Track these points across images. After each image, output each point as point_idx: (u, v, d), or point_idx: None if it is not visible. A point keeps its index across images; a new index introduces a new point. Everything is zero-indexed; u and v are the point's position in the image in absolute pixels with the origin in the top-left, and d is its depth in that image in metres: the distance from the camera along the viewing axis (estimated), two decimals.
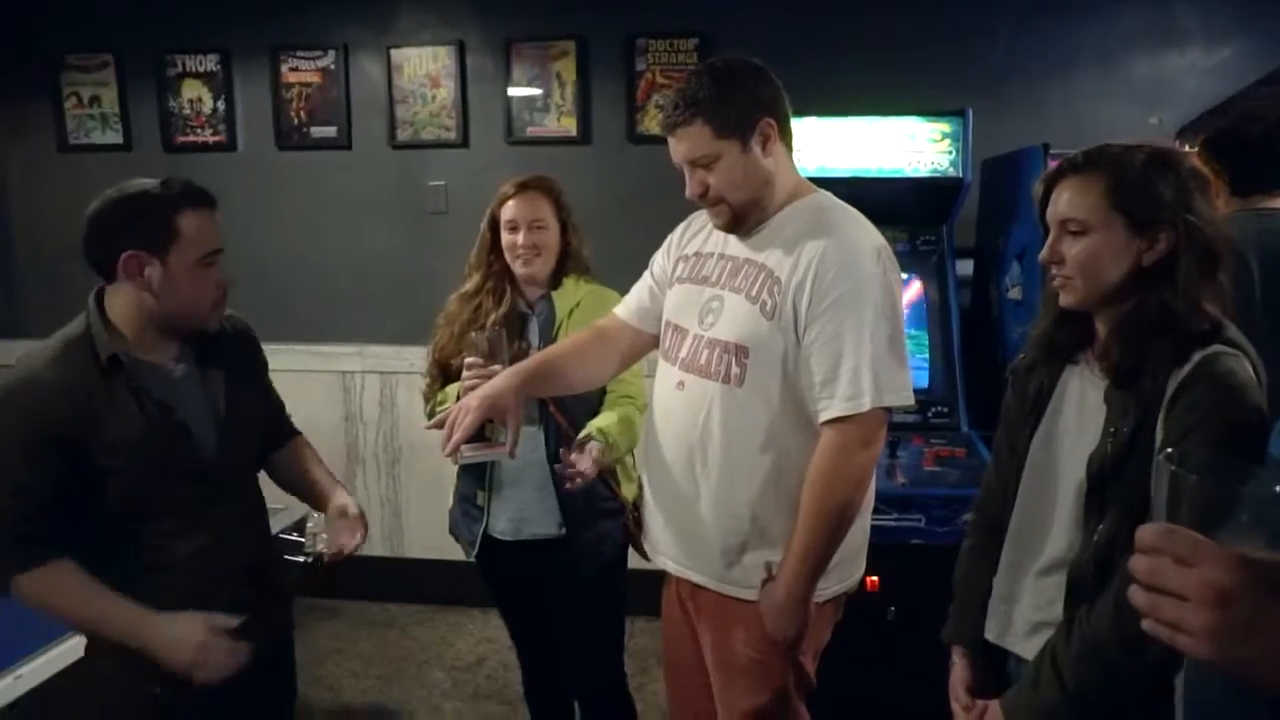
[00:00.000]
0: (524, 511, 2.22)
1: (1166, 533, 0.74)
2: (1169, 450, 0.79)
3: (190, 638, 1.53)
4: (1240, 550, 0.71)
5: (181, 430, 1.61)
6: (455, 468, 2.25)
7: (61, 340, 1.58)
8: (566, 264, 2.26)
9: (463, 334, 2.16)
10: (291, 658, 1.95)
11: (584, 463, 1.94)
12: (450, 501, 2.39)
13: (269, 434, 1.87)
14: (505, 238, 2.20)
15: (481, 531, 2.25)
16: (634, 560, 2.24)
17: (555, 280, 2.25)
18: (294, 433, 1.95)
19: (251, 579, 1.71)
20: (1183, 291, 1.33)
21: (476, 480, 2.25)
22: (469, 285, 2.26)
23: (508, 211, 2.20)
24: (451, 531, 2.39)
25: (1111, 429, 1.37)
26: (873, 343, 1.61)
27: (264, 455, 1.87)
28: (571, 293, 2.24)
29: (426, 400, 2.31)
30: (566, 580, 2.26)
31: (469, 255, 2.30)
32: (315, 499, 1.87)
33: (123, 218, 1.55)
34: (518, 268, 2.21)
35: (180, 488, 1.60)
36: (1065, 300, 1.43)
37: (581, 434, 2.03)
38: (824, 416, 1.65)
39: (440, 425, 1.76)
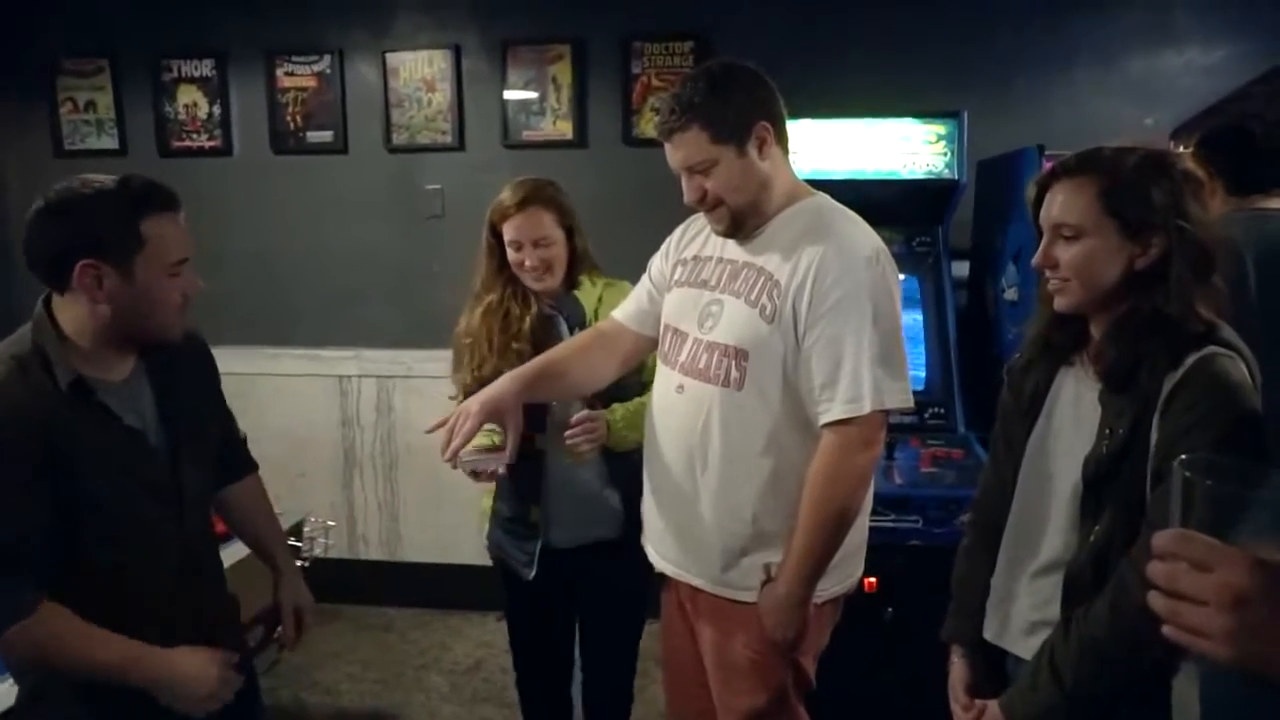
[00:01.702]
0: (587, 514, 2.17)
1: (1182, 538, 0.75)
2: (1182, 457, 0.80)
3: (206, 673, 1.46)
4: (1256, 552, 0.72)
5: (150, 453, 1.50)
6: (458, 474, 2.19)
7: (11, 359, 1.40)
8: (578, 267, 2.21)
9: (505, 348, 2.10)
10: (255, 684, 1.82)
11: (592, 431, 1.99)
12: (475, 519, 2.31)
13: (224, 461, 1.74)
14: (511, 254, 2.13)
15: (539, 547, 2.17)
16: None
17: (569, 282, 2.21)
18: (251, 466, 1.84)
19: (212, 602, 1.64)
20: (1175, 295, 1.33)
21: (528, 497, 2.16)
22: (490, 298, 2.17)
23: (510, 230, 2.12)
24: (497, 558, 2.27)
25: (1107, 430, 1.37)
26: (872, 346, 1.61)
27: (217, 485, 1.74)
28: (590, 291, 2.21)
29: None
30: (618, 578, 2.21)
31: (479, 268, 2.20)
32: (261, 553, 1.80)
33: (78, 221, 1.38)
34: (529, 282, 2.15)
35: (152, 509, 1.49)
36: (1059, 304, 1.43)
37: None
38: (824, 419, 1.65)
39: (440, 428, 1.76)
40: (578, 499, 2.17)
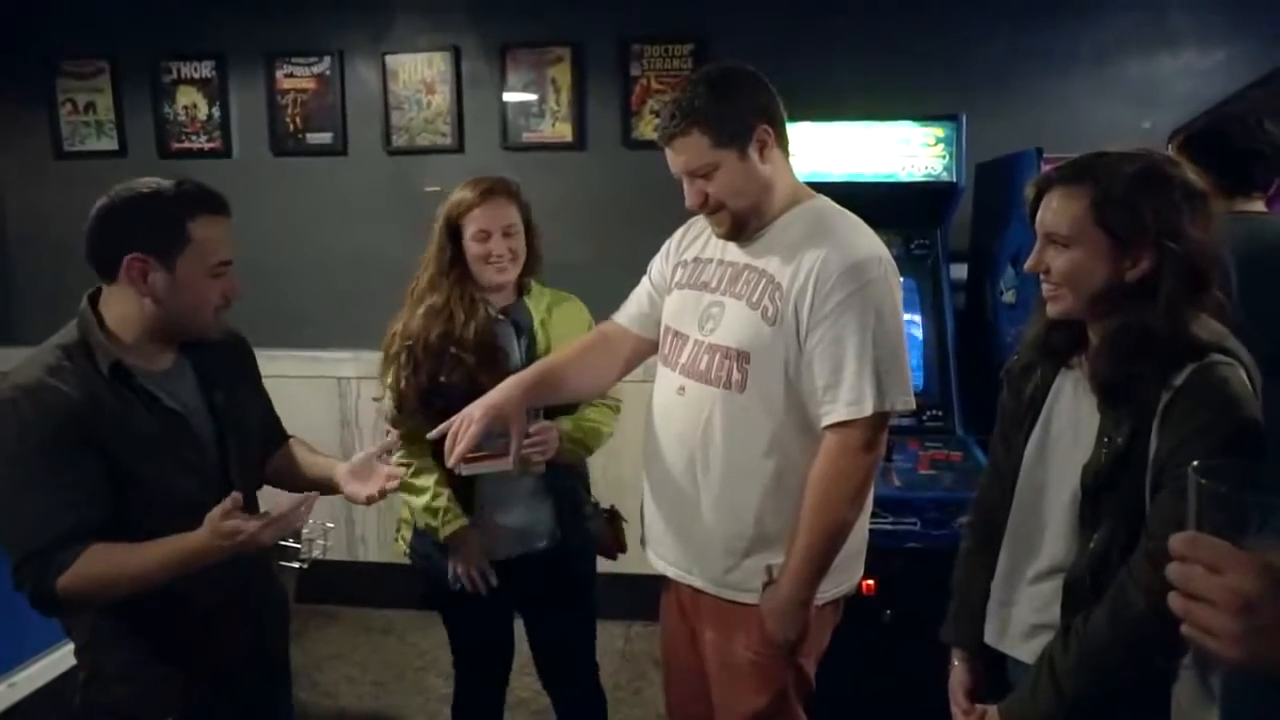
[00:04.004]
0: (522, 526, 2.16)
1: (1193, 541, 0.77)
2: (1195, 463, 0.81)
3: (216, 534, 1.42)
4: (1269, 556, 0.73)
5: (193, 437, 1.57)
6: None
7: (58, 348, 1.50)
8: (534, 266, 2.19)
9: (444, 353, 2.05)
10: (288, 675, 1.90)
11: (549, 437, 1.99)
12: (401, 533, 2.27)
13: (266, 439, 1.84)
14: (475, 248, 2.08)
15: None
16: (631, 564, 2.24)
17: (520, 284, 2.19)
18: (285, 436, 1.90)
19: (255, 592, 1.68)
20: (1164, 313, 1.31)
21: (463, 508, 2.11)
22: (435, 299, 2.10)
23: (476, 221, 2.08)
24: (423, 567, 2.22)
25: (1105, 439, 1.36)
26: (875, 347, 1.62)
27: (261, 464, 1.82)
28: (539, 298, 2.20)
29: (397, 426, 2.09)
30: (559, 589, 2.24)
31: (424, 270, 2.15)
32: (320, 479, 1.77)
33: (131, 218, 1.48)
34: (490, 276, 2.10)
35: (198, 493, 1.55)
36: (1052, 310, 1.43)
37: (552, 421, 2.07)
38: (826, 421, 1.65)
39: (442, 436, 1.75)
40: (513, 511, 2.15)
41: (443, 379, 2.04)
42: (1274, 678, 0.75)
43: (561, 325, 2.15)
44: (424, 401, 2.05)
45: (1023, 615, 1.50)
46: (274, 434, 1.88)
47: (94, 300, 1.55)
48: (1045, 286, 1.43)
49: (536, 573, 2.19)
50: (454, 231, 2.12)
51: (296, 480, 1.82)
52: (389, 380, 2.14)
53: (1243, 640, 0.73)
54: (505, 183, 2.15)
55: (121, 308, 1.52)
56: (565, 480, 2.18)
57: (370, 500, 1.66)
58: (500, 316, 2.15)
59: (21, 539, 1.44)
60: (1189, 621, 0.76)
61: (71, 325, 1.54)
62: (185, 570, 1.46)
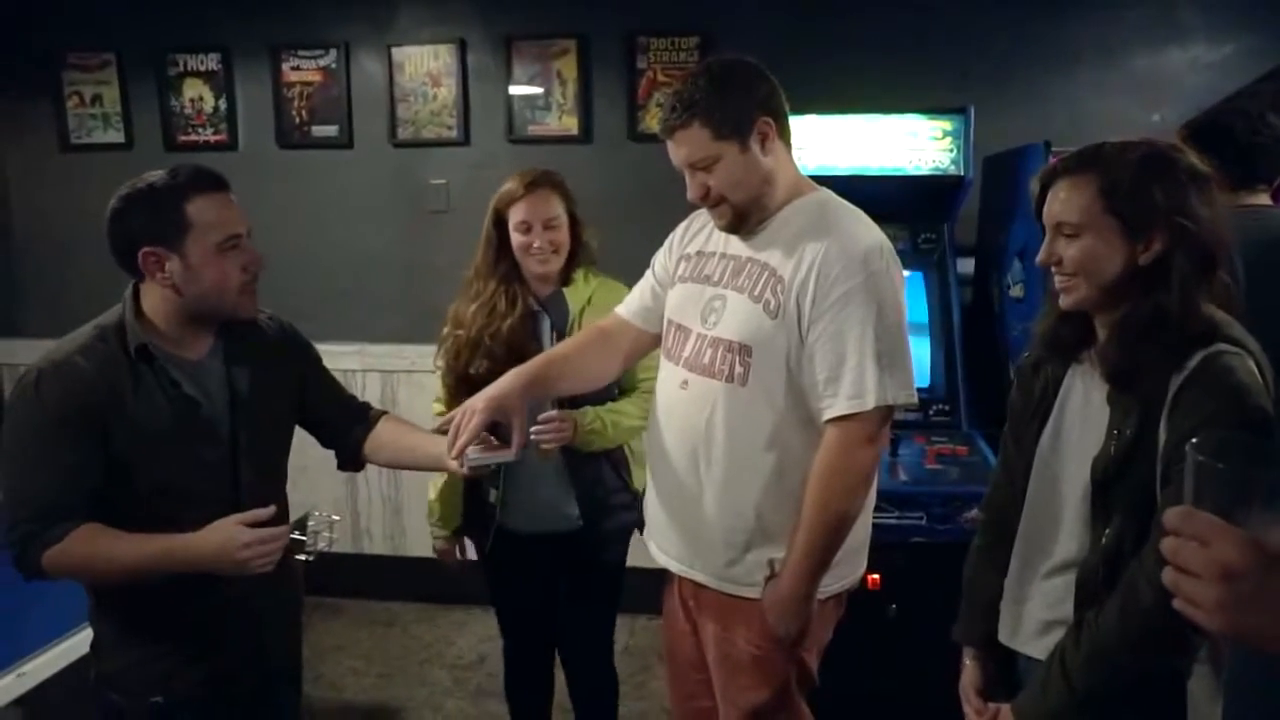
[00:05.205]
0: (542, 506, 2.23)
1: (1186, 514, 0.78)
2: (1194, 440, 0.81)
3: (231, 546, 1.45)
4: (1266, 533, 0.74)
5: (207, 426, 1.59)
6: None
7: (96, 327, 1.56)
8: (578, 257, 2.24)
9: (478, 342, 2.16)
10: (297, 675, 1.90)
11: (559, 430, 2.06)
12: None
13: (342, 430, 1.84)
14: (517, 239, 2.16)
15: (494, 529, 2.26)
16: (634, 558, 2.24)
17: (565, 275, 2.24)
18: (380, 412, 1.89)
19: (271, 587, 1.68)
20: (1177, 294, 1.31)
21: (488, 479, 2.23)
22: (481, 289, 2.22)
23: (518, 212, 2.16)
24: (455, 531, 2.37)
25: (1115, 431, 1.36)
26: (876, 341, 1.61)
27: (354, 451, 1.84)
28: (582, 288, 2.23)
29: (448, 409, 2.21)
30: (582, 571, 2.31)
31: (475, 257, 2.26)
32: (433, 458, 1.77)
33: (133, 215, 1.52)
34: (533, 267, 2.18)
35: (205, 483, 1.58)
36: (1065, 302, 1.42)
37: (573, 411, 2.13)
38: (827, 415, 1.65)
39: (445, 429, 1.75)
40: (536, 492, 2.23)
41: (472, 370, 2.12)
42: (1252, 646, 0.77)
43: (599, 313, 2.16)
44: (457, 391, 2.14)
45: (1035, 612, 1.49)
46: (358, 415, 1.86)
47: (136, 287, 1.60)
48: (1058, 278, 1.42)
49: (564, 552, 2.27)
50: (500, 222, 2.19)
51: (415, 456, 1.83)
52: (439, 363, 2.26)
53: (1225, 609, 0.74)
54: (550, 175, 2.21)
55: (151, 298, 1.58)
56: (589, 468, 2.22)
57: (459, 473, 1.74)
58: (537, 308, 2.21)
59: (18, 506, 1.49)
60: (1177, 594, 0.78)
61: (117, 307, 1.59)
62: (174, 570, 1.49)
